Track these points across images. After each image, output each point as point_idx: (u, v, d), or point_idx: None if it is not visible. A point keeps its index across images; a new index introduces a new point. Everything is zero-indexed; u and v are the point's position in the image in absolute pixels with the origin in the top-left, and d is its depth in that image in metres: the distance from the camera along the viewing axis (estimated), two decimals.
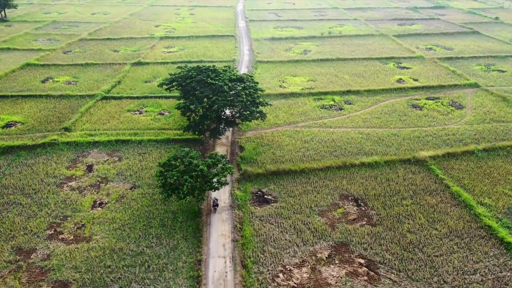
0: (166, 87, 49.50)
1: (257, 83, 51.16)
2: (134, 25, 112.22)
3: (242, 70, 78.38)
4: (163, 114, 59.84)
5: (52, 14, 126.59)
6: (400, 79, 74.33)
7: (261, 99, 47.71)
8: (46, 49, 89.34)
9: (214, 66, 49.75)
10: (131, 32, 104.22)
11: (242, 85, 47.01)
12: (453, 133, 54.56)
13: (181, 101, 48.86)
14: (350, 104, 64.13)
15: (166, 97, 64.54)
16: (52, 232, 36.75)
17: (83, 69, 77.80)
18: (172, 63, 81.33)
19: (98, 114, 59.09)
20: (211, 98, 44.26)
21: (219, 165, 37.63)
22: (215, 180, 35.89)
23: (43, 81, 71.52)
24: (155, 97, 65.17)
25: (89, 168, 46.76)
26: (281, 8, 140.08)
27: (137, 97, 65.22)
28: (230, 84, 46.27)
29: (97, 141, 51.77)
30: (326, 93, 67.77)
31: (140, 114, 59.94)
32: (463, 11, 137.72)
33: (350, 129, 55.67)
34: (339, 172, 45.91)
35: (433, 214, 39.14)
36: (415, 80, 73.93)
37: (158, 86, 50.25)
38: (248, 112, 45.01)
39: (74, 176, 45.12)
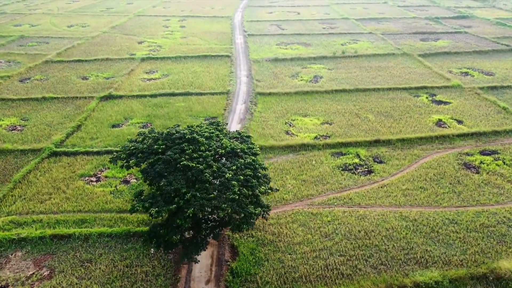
0: (121, 163, 33.33)
1: (258, 153, 34.98)
2: (114, 42, 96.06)
3: (238, 107, 62.24)
4: (128, 182, 43.75)
5: (22, 27, 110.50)
6: (440, 120, 58.16)
7: (263, 187, 31.48)
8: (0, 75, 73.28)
9: (192, 133, 33.46)
10: (108, 51, 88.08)
11: (235, 166, 30.87)
12: None
13: (145, 187, 32.81)
14: (381, 162, 47.99)
15: None
16: None
17: (38, 105, 61.66)
18: (151, 96, 65.27)
19: (39, 184, 42.92)
20: (183, 195, 28.12)
21: None
22: None
23: None
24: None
25: None
26: (285, 18, 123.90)
27: (98, 153, 49.07)
28: (215, 166, 30.12)
29: (25, 237, 35.64)
30: (347, 144, 51.63)
31: (96, 182, 43.83)
32: (490, 22, 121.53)
33: (388, 210, 39.51)
34: None
35: None
36: (459, 122, 57.73)
37: (109, 161, 34.51)
38: (242, 215, 28.80)
39: None
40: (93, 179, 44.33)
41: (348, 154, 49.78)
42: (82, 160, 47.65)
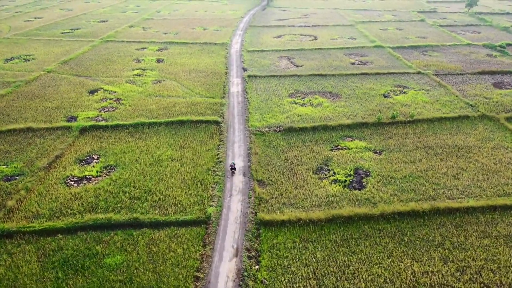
0: None
1: None
2: (55, 91, 66.64)
3: (224, 270, 32.45)
4: None
5: None
6: None
7: None
8: None
9: None
10: (37, 113, 58.65)
11: None
12: None
13: None
14: None
15: None
16: None
17: None
18: (67, 230, 35.90)
19: None
20: None
21: None
22: None
23: None
24: None
25: None
26: (298, 47, 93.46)
27: None
28: None
29: None
30: None
31: None
32: None
33: None
34: None
35: None
36: None
37: None
38: None
39: None
40: None
41: None
42: None
